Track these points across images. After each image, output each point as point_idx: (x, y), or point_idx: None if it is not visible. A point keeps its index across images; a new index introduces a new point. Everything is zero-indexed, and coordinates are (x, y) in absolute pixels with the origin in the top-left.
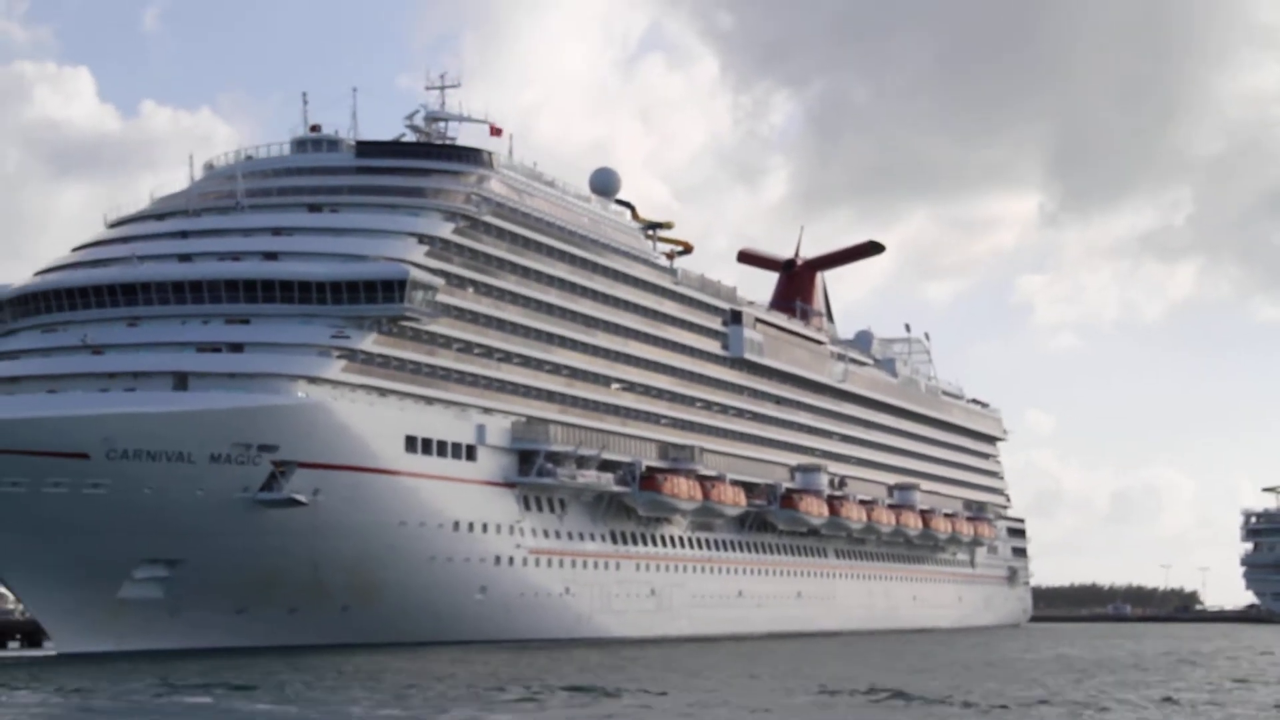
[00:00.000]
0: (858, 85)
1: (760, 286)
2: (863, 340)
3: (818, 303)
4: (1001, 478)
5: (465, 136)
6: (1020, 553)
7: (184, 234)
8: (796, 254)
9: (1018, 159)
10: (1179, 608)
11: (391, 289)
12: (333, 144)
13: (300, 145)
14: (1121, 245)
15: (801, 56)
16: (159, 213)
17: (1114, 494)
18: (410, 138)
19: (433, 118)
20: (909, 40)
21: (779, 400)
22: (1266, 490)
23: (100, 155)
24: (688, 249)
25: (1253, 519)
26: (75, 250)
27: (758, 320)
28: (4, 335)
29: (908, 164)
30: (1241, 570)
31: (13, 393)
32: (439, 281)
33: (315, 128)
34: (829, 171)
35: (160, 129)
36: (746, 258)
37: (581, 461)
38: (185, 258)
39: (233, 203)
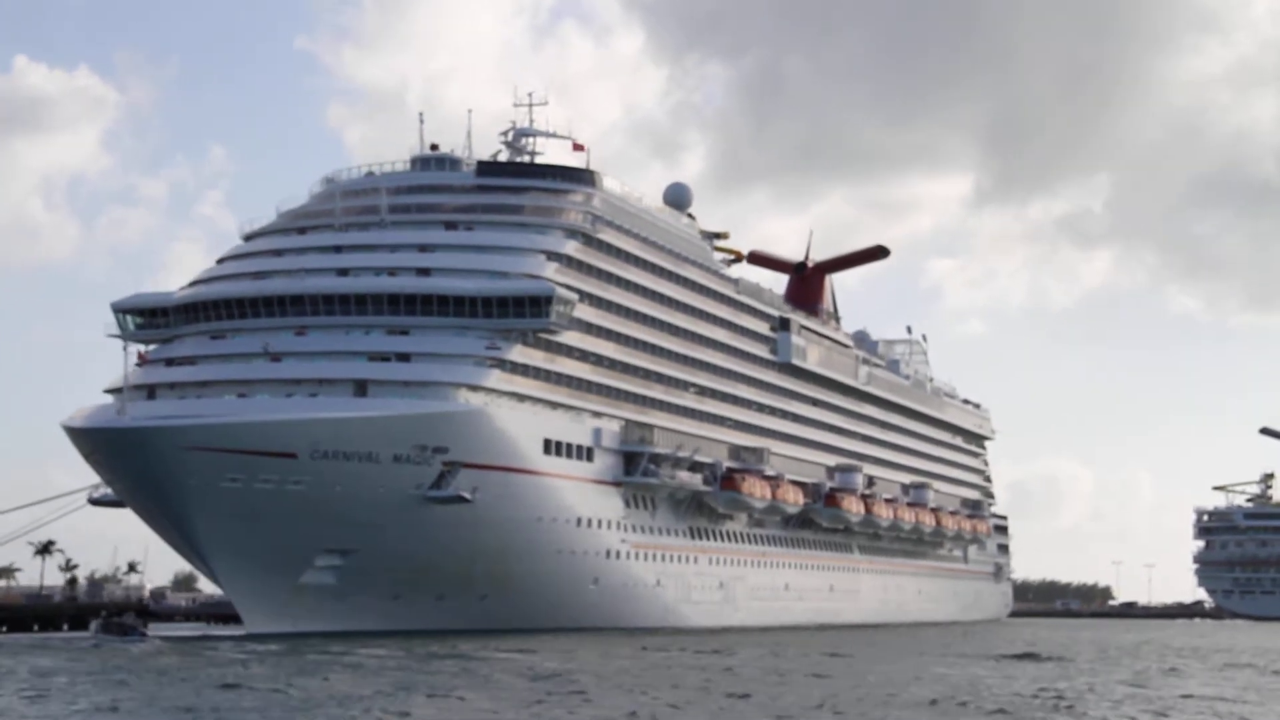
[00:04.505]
0: (792, 60)
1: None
2: (865, 341)
3: (827, 304)
4: (989, 476)
5: (551, 151)
6: (1004, 549)
7: (337, 249)
8: (807, 257)
9: (946, 141)
10: (1125, 604)
11: (538, 304)
12: (454, 163)
13: (423, 164)
14: (1038, 230)
15: (736, 28)
16: (295, 227)
17: (1012, 484)
18: (505, 154)
19: (522, 134)
20: (849, 16)
21: (817, 403)
22: (1217, 489)
23: None
24: (740, 257)
25: (1205, 517)
26: (221, 262)
27: (801, 326)
28: (166, 341)
29: (834, 143)
30: (1194, 567)
31: (202, 395)
32: (574, 297)
33: (434, 147)
34: (752, 148)
35: (37, 87)
36: (757, 259)
37: (677, 463)
38: (343, 272)
39: (376, 219)
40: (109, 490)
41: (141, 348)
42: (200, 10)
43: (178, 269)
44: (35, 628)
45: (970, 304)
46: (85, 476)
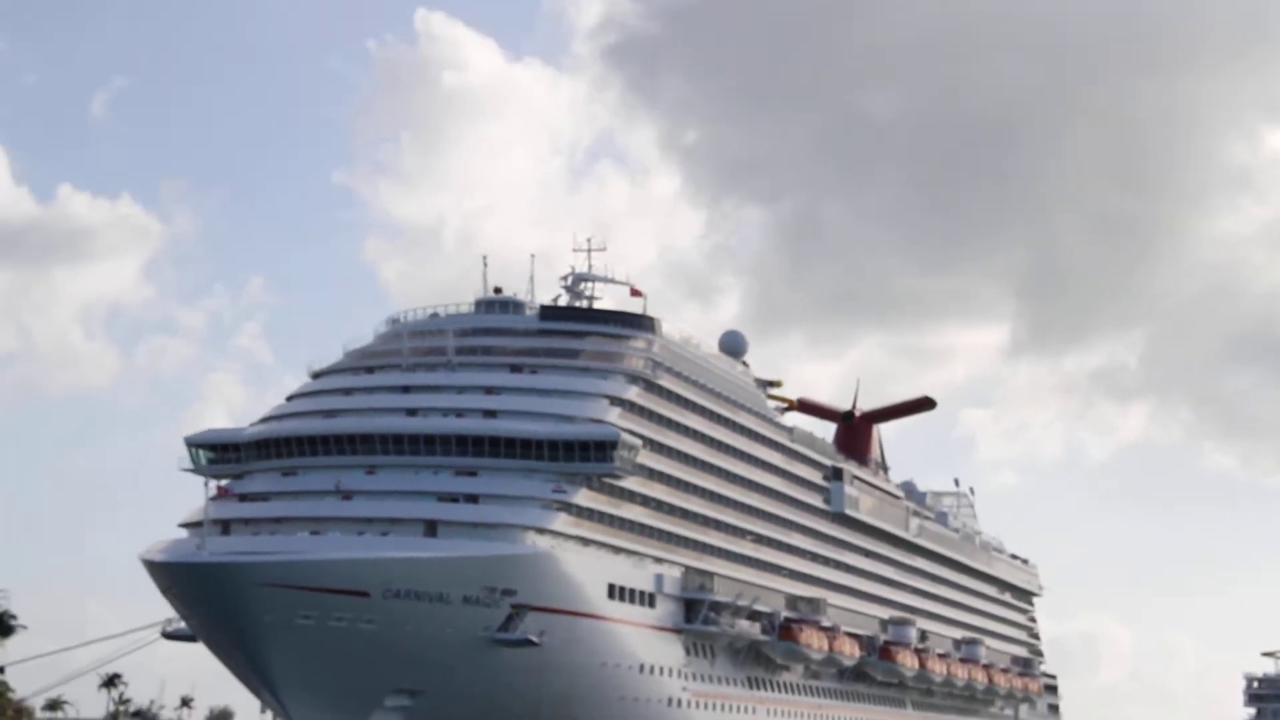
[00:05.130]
0: (829, 206)
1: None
2: (913, 492)
3: (874, 454)
4: (1037, 633)
5: (609, 296)
6: (1054, 709)
7: (405, 389)
8: (854, 406)
9: (983, 290)
10: None
11: (604, 449)
12: (516, 306)
13: (488, 306)
14: (1073, 382)
15: (774, 174)
16: (363, 366)
17: (1048, 642)
18: (565, 298)
19: (580, 278)
20: (887, 163)
21: (869, 554)
22: (1266, 655)
23: (20, 240)
24: (792, 406)
25: (1255, 684)
26: (291, 399)
27: (854, 477)
28: (237, 476)
29: (871, 289)
30: None
31: (275, 532)
32: (639, 443)
33: (498, 290)
34: (788, 293)
35: (79, 215)
36: (805, 407)
37: (736, 611)
38: (411, 412)
39: (442, 360)
40: (182, 624)
41: (221, 482)
42: (243, 143)
43: (214, 399)
44: None
45: (1004, 455)
46: (123, 610)
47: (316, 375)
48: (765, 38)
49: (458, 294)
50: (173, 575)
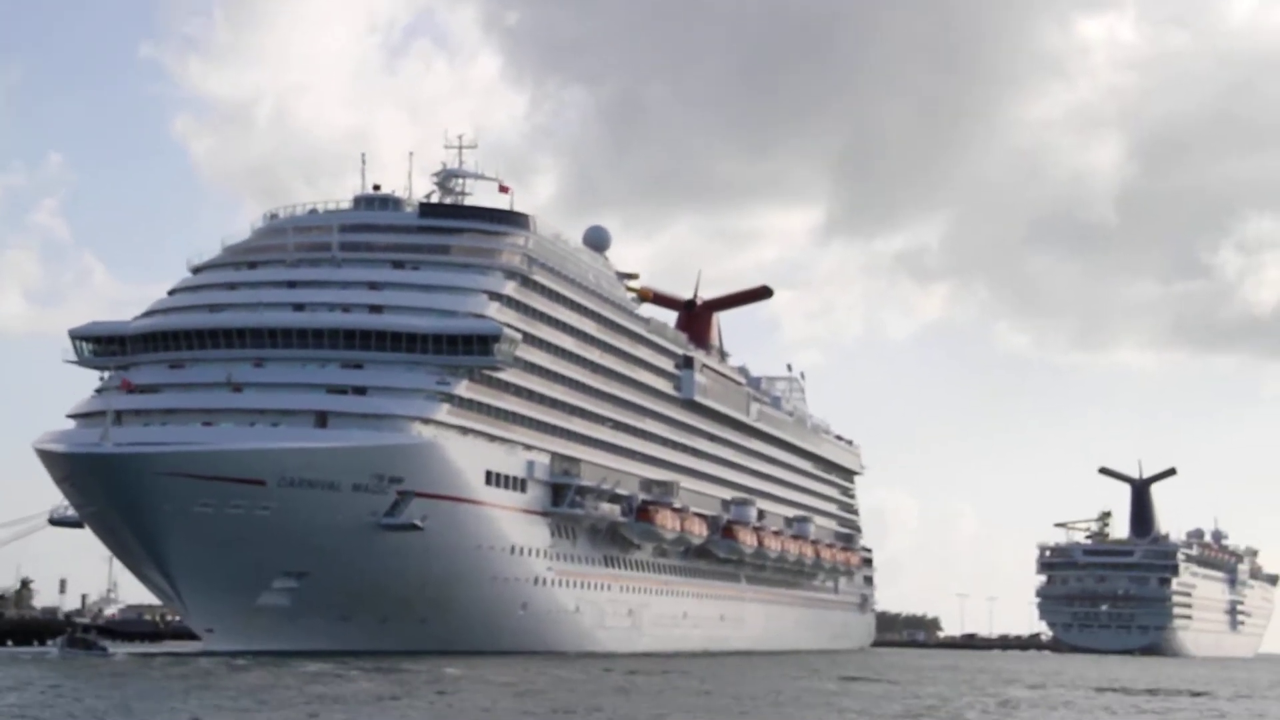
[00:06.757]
0: (652, 88)
1: None
2: (750, 377)
3: (714, 340)
4: (857, 510)
5: (479, 192)
6: (869, 581)
7: (291, 284)
8: (695, 294)
9: (797, 172)
10: (966, 635)
11: (486, 343)
12: (396, 203)
13: (368, 203)
14: (878, 264)
15: (597, 55)
16: (245, 261)
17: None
18: (436, 195)
19: (451, 175)
20: (709, 45)
21: (714, 438)
22: (1058, 525)
23: None
24: (646, 297)
25: (1047, 553)
26: (173, 293)
27: (703, 365)
28: (123, 368)
29: (687, 171)
30: (1036, 601)
31: (167, 423)
32: (518, 336)
33: (377, 187)
34: (605, 175)
35: None
36: (653, 296)
37: (599, 495)
38: (298, 307)
39: (326, 255)
40: (70, 511)
41: (114, 373)
42: (44, 16)
43: (12, 275)
44: None
45: (809, 335)
46: None
47: (197, 270)
48: None
49: (270, 171)
50: (71, 465)
